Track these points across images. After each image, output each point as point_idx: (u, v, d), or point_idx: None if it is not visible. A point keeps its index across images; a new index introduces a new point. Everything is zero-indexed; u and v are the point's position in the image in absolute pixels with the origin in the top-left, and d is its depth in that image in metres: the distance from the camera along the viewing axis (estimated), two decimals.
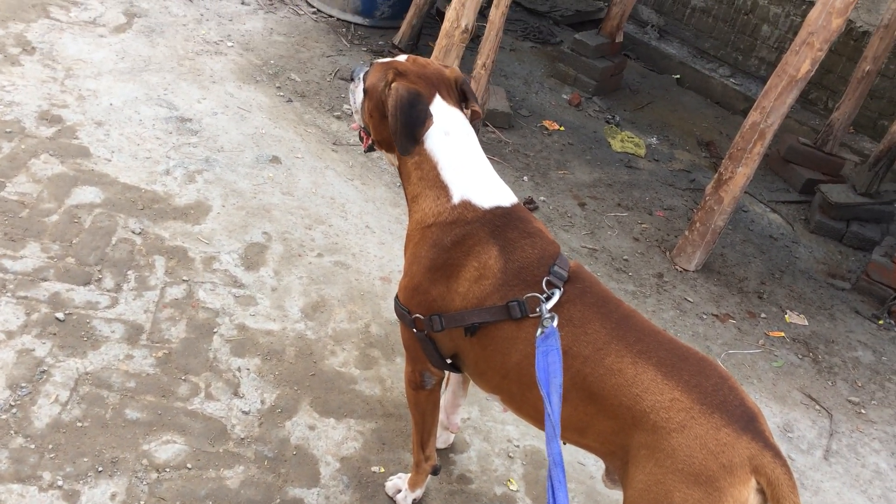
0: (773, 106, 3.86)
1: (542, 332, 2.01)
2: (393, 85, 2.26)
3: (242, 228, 3.72)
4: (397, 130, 2.24)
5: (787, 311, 4.22)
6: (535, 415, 2.19)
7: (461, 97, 2.36)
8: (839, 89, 6.00)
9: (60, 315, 2.99)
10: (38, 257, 3.21)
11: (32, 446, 2.54)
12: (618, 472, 2.06)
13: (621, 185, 5.01)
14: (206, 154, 4.15)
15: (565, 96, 5.98)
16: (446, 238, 2.21)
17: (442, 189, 2.25)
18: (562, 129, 5.47)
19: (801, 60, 3.74)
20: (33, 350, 2.84)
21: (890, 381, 3.89)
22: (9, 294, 3.02)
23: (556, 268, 2.14)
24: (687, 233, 4.29)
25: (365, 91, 2.39)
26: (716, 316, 4.04)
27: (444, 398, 2.81)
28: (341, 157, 4.51)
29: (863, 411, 3.66)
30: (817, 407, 3.62)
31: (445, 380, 2.79)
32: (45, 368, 2.79)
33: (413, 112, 2.23)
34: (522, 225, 2.24)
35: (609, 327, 2.04)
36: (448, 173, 2.25)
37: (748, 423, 1.89)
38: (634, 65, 6.90)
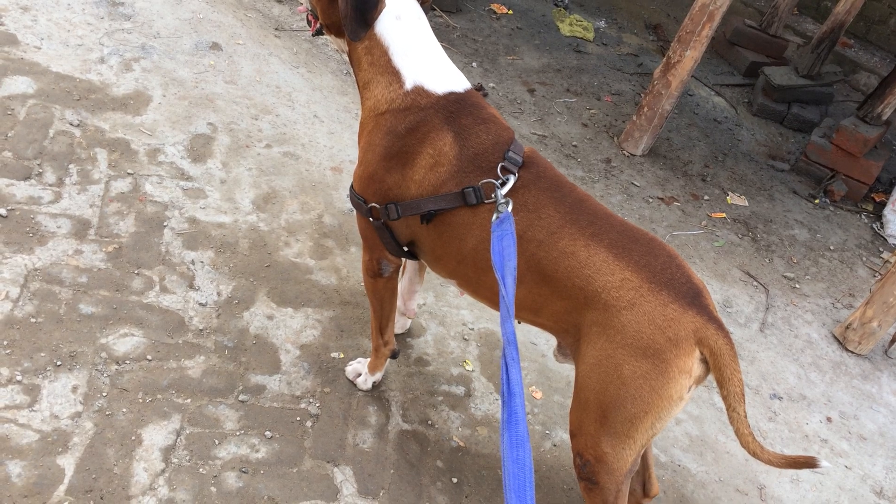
0: None
1: (497, 218, 2.04)
2: None
3: (186, 119, 3.61)
4: (348, 14, 2.17)
5: (729, 192, 4.34)
6: (490, 297, 2.25)
7: None
8: None
9: (3, 211, 2.91)
10: None
11: None
12: (570, 349, 2.15)
13: (570, 71, 4.98)
14: (142, 41, 3.97)
15: None
16: (400, 125, 2.19)
17: (394, 75, 2.21)
18: (510, 12, 5.36)
19: None
20: None
21: (823, 256, 4.08)
22: None
23: (510, 153, 2.15)
24: (634, 118, 4.33)
25: None
26: (661, 199, 4.14)
27: (401, 285, 2.86)
28: (285, 43, 4.37)
29: (797, 286, 3.86)
30: (755, 283, 3.79)
31: (402, 267, 2.83)
32: None
33: None
34: (476, 111, 2.23)
35: (563, 211, 2.09)
36: (400, 59, 2.21)
37: (694, 298, 1.98)
38: None
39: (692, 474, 2.88)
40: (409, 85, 2.20)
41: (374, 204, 2.27)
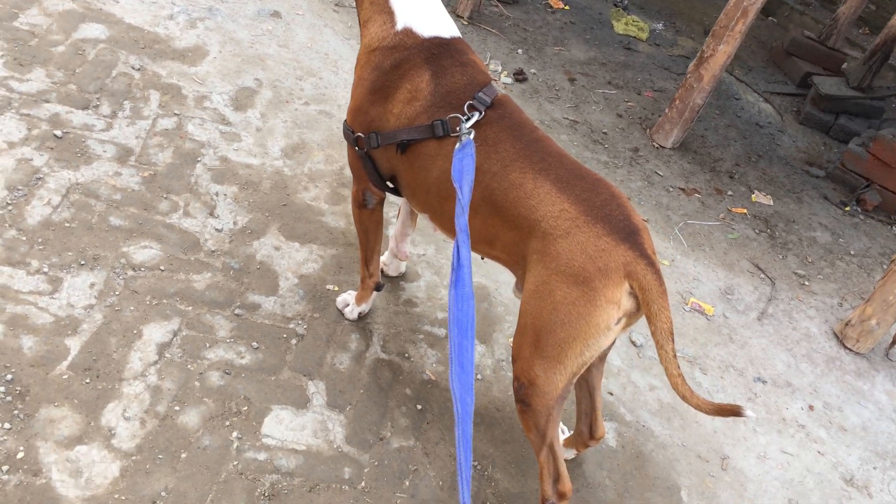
0: None
1: (460, 144, 2.23)
2: None
3: (236, 73, 3.94)
4: None
5: (756, 191, 4.37)
6: (451, 228, 2.43)
7: None
8: None
9: (58, 132, 3.29)
10: (42, 81, 3.48)
11: (24, 238, 2.88)
12: (520, 281, 2.31)
13: (615, 65, 5.11)
14: (210, 3, 4.34)
15: None
16: (386, 62, 2.41)
17: (388, 15, 2.43)
18: (566, 7, 5.52)
19: None
20: (31, 160, 3.15)
21: (841, 259, 4.06)
22: (13, 111, 3.31)
23: (480, 94, 2.34)
24: (667, 110, 4.42)
25: None
26: (682, 189, 4.21)
27: (395, 228, 3.08)
28: (341, 17, 4.67)
29: (807, 283, 3.86)
30: (762, 276, 3.82)
31: (397, 213, 3.05)
32: (41, 176, 3.11)
33: None
34: (458, 56, 2.43)
35: (518, 147, 2.26)
36: (396, 1, 2.43)
37: (628, 235, 2.10)
38: None
39: (655, 435, 2.97)
40: (399, 26, 2.42)
41: (360, 134, 2.49)
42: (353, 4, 2.64)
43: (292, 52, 4.24)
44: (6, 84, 3.40)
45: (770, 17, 6.36)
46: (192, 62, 3.91)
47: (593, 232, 2.09)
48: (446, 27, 2.45)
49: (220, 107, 3.73)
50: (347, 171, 3.62)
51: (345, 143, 3.76)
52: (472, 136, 2.22)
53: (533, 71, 4.76)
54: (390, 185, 2.63)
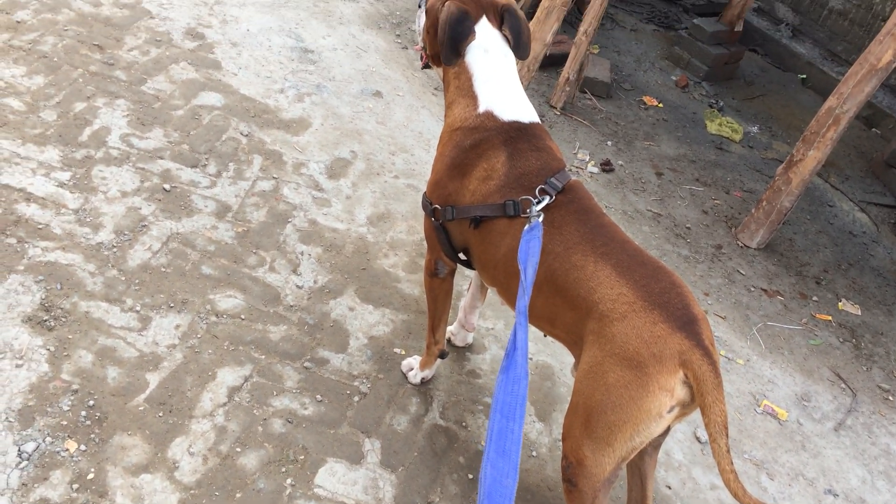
0: (850, 93, 3.91)
1: (529, 226, 2.32)
2: (446, 4, 2.62)
3: (334, 145, 4.20)
4: (444, 42, 2.59)
5: (843, 299, 4.25)
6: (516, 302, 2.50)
7: (502, 23, 2.68)
8: None
9: (167, 186, 3.58)
10: (159, 140, 3.82)
11: (123, 278, 3.12)
12: (577, 361, 2.34)
13: (705, 164, 5.13)
14: (319, 81, 4.67)
15: (674, 77, 6.11)
16: (466, 141, 2.55)
17: (472, 98, 2.59)
18: (660, 105, 5.63)
19: (884, 50, 3.77)
20: (140, 209, 3.44)
21: None
22: (130, 164, 3.63)
23: (552, 179, 2.43)
24: (753, 210, 4.40)
25: (426, 11, 2.77)
26: (764, 290, 4.15)
27: (464, 300, 3.17)
28: (438, 100, 4.92)
29: (891, 398, 3.70)
30: (843, 385, 3.69)
31: (468, 286, 3.15)
32: (146, 224, 3.38)
33: (458, 27, 2.57)
34: (534, 140, 2.54)
35: (582, 231, 2.33)
36: (480, 85, 2.59)
37: (686, 323, 2.11)
38: (757, 59, 6.88)
39: None
40: (481, 108, 2.56)
41: (437, 206, 2.62)
42: (438, 76, 2.83)
43: (389, 129, 4.49)
44: (128, 140, 3.75)
45: (874, 129, 6.27)
46: (296, 132, 4.20)
47: (650, 318, 2.11)
48: (525, 112, 2.58)
49: (315, 174, 3.97)
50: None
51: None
52: (541, 220, 2.31)
53: (621, 163, 4.85)
54: (462, 257, 2.74)
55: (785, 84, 6.61)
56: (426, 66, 2.92)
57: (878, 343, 4.02)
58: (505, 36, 2.66)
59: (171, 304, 3.09)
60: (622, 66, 5.99)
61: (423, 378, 3.06)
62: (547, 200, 2.38)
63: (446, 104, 2.69)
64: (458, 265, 2.79)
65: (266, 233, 3.54)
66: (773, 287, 4.17)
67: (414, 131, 4.54)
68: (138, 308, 3.03)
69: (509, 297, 2.56)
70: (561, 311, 2.33)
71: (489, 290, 3.17)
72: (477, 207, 2.50)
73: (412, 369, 3.08)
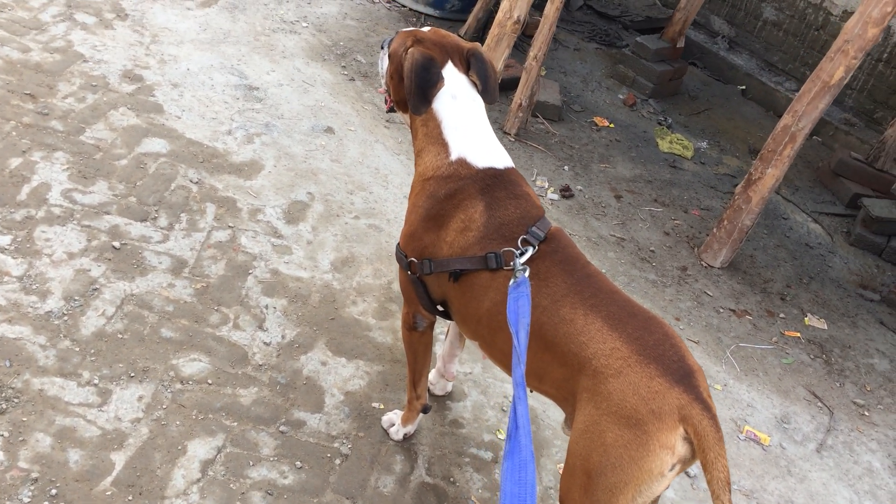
0: (805, 110, 3.95)
1: (515, 282, 2.22)
2: (410, 50, 2.52)
3: (289, 187, 4.05)
4: (411, 91, 2.49)
5: (808, 314, 4.28)
6: (502, 358, 2.40)
7: (468, 67, 2.59)
8: None
9: (117, 244, 3.37)
10: (104, 194, 3.61)
11: (77, 349, 2.92)
12: (570, 418, 2.25)
13: (661, 183, 5.14)
14: (267, 120, 4.51)
15: (621, 96, 6.13)
16: (441, 191, 2.45)
17: (443, 146, 2.49)
18: (611, 126, 5.63)
19: (836, 67, 3.82)
20: (89, 270, 3.23)
21: None
22: (75, 222, 3.42)
23: (533, 228, 2.35)
24: (715, 230, 4.40)
25: (389, 56, 2.66)
26: (732, 311, 4.14)
27: (443, 348, 3.06)
28: (392, 133, 4.81)
29: (867, 413, 3.72)
30: (819, 404, 3.69)
31: (446, 332, 3.04)
32: (97, 287, 3.17)
33: (426, 74, 2.47)
34: (511, 187, 2.45)
35: (569, 282, 2.24)
36: (450, 132, 2.49)
37: (683, 377, 2.04)
38: (698, 73, 6.97)
39: None
40: (454, 156, 2.46)
41: (412, 259, 2.51)
42: (403, 121, 2.72)
43: (344, 166, 4.35)
44: (70, 196, 3.53)
45: (815, 136, 6.40)
46: (248, 176, 4.03)
47: (646, 372, 2.04)
48: (500, 158, 2.50)
49: (272, 220, 3.81)
50: (395, 286, 3.64)
51: (393, 257, 3.81)
52: (526, 274, 2.22)
53: (580, 187, 4.82)
54: (440, 308, 2.63)
55: (727, 97, 6.71)
56: (391, 111, 2.81)
57: (846, 357, 4.06)
58: (472, 81, 2.57)
59: (132, 374, 2.90)
60: (570, 87, 5.98)
61: (405, 434, 2.93)
62: (531, 251, 2.29)
63: (415, 151, 2.59)
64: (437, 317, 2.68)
65: (227, 287, 3.36)
66: (740, 307, 4.18)
67: (370, 167, 4.42)
68: (96, 381, 2.83)
69: (493, 352, 2.46)
70: (550, 367, 2.24)
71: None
72: (456, 260, 2.40)
73: (393, 425, 2.95)
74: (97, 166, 3.74)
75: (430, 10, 6.35)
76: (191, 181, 3.86)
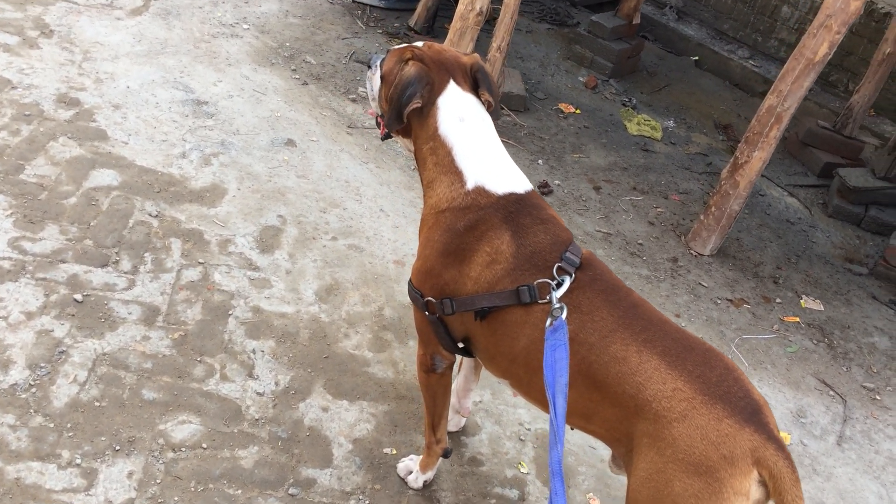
0: (790, 89, 3.82)
1: (552, 325, 2.01)
2: (406, 66, 2.26)
3: (258, 211, 3.74)
4: (390, 109, 2.25)
5: (803, 296, 4.20)
6: (542, 399, 2.19)
7: (475, 84, 2.35)
8: (860, 71, 5.93)
9: (78, 296, 3.04)
10: (56, 239, 3.25)
11: (51, 425, 2.59)
12: (622, 459, 2.07)
13: (637, 169, 4.99)
14: (222, 137, 4.17)
15: (581, 79, 5.95)
16: (459, 223, 2.21)
17: (456, 175, 2.25)
18: (577, 111, 5.44)
19: (819, 43, 3.69)
20: (52, 331, 2.89)
21: None
22: (28, 276, 3.06)
23: (567, 254, 2.14)
24: (702, 217, 4.27)
25: (382, 77, 2.40)
26: (730, 301, 4.03)
27: (457, 382, 2.83)
28: (356, 140, 4.52)
29: (878, 397, 3.65)
30: (831, 392, 3.61)
31: (458, 364, 2.81)
32: (64, 349, 2.84)
33: (407, 89, 2.22)
34: (536, 211, 2.24)
35: (616, 315, 2.04)
36: (462, 159, 2.25)
37: (751, 414, 1.87)
38: (652, 47, 6.84)
39: None
40: (470, 185, 2.23)
41: (430, 298, 2.27)
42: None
43: (312, 182, 4.06)
44: (18, 245, 3.17)
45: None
46: (211, 203, 3.71)
47: (713, 414, 1.86)
48: (519, 181, 2.27)
49: (245, 250, 3.51)
50: (387, 313, 3.39)
51: (381, 280, 3.55)
52: (564, 314, 2.01)
53: (557, 182, 4.62)
54: (461, 345, 2.40)
55: (684, 70, 6.59)
56: (386, 137, 2.55)
57: (847, 338, 3.99)
58: (483, 99, 2.34)
59: (117, 447, 2.59)
60: (529, 73, 5.77)
61: (425, 481, 2.70)
62: (568, 282, 2.09)
63: (424, 183, 2.34)
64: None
65: (207, 333, 3.06)
66: (737, 295, 4.06)
67: (339, 180, 4.13)
68: (79, 460, 2.52)
69: (531, 392, 2.24)
70: (600, 407, 2.05)
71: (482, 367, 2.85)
72: (484, 297, 2.17)
73: (411, 472, 2.71)
74: (44, 208, 3.37)
75: (374, 1, 6.03)
76: (150, 215, 3.52)
